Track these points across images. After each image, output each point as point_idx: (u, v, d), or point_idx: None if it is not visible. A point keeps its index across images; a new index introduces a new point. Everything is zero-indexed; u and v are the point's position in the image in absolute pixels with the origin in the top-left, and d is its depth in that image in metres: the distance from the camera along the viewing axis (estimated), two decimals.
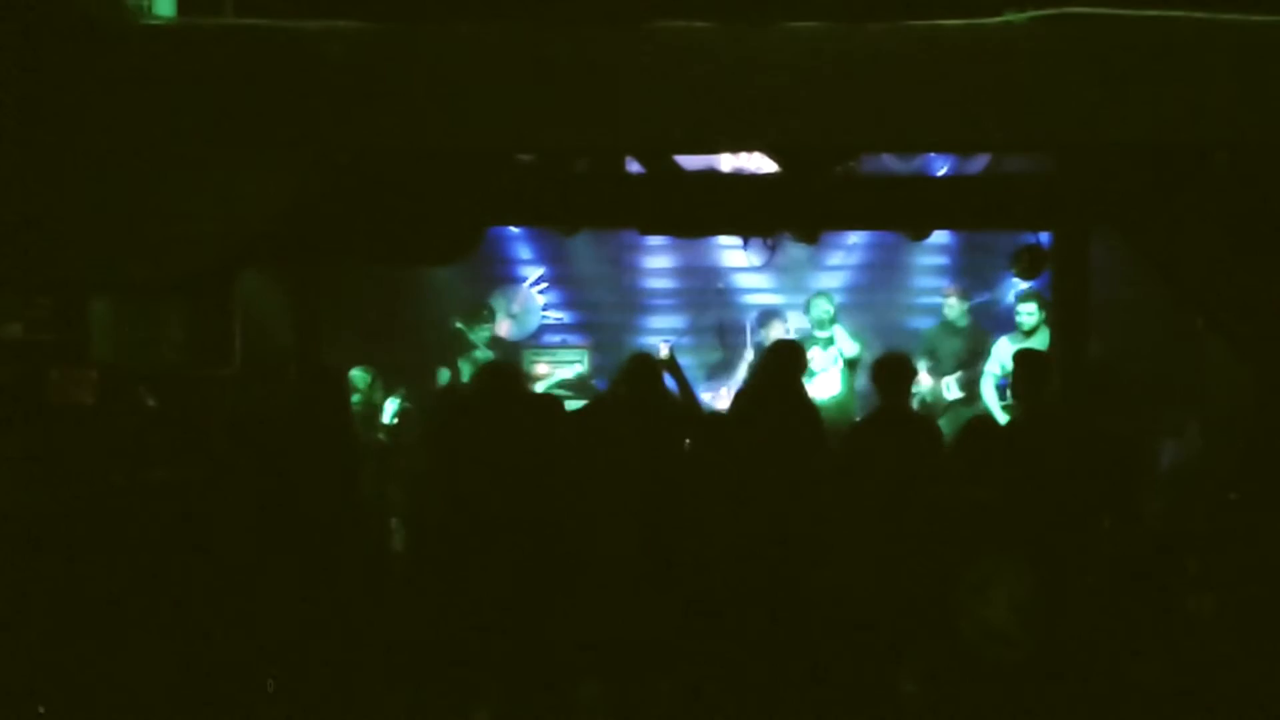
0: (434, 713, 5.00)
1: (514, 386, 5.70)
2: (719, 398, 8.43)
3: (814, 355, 8.06)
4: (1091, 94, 5.31)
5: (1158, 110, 5.31)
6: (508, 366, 6.50)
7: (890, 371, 5.70)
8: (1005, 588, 4.83)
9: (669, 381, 6.02)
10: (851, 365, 8.12)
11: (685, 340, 9.03)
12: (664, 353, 7.17)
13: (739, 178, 7.24)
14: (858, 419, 7.32)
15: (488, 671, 5.07)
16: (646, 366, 5.80)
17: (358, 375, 7.42)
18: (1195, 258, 6.03)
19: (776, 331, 8.42)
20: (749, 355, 8.47)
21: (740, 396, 6.15)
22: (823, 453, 5.49)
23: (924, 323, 9.34)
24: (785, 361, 5.75)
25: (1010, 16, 5.35)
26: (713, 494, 5.29)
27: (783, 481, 5.24)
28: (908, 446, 5.45)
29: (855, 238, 9.45)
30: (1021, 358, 5.87)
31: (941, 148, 6.79)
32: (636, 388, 5.66)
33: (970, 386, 8.17)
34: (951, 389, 8.24)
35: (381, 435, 7.46)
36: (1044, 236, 7.19)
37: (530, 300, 9.59)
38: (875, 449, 5.44)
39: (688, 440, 5.71)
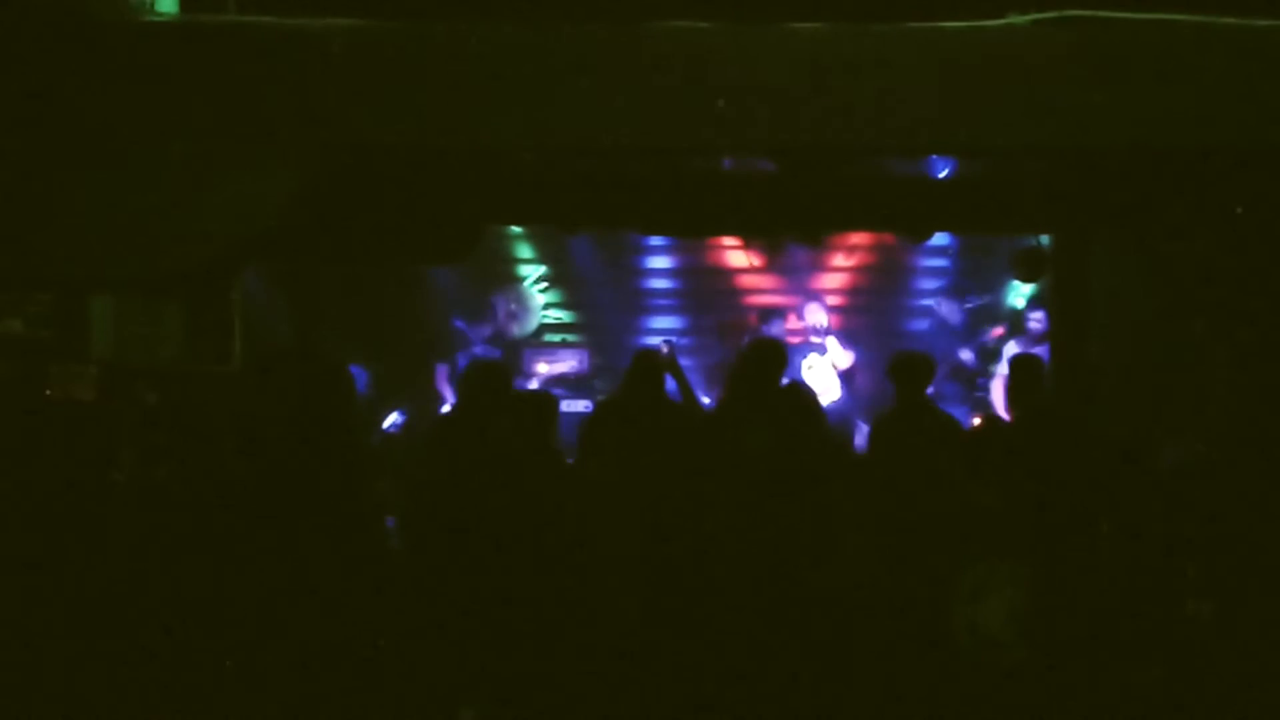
0: (423, 711, 5.00)
1: (503, 385, 5.71)
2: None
3: (811, 361, 8.08)
4: (1094, 97, 5.31)
5: (1160, 113, 5.31)
6: (497, 365, 6.49)
7: (909, 369, 5.73)
8: (1002, 592, 4.83)
9: (669, 382, 6.02)
10: (847, 373, 8.14)
11: (685, 340, 9.05)
12: (664, 353, 7.18)
13: (740, 178, 7.25)
14: (862, 419, 7.33)
15: (478, 670, 5.06)
16: (649, 363, 5.80)
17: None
18: (1196, 261, 6.04)
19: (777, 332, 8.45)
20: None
21: (724, 396, 6.15)
22: (828, 448, 5.49)
23: (923, 324, 9.36)
24: (765, 360, 5.74)
25: (1013, 19, 5.35)
26: (712, 492, 5.29)
27: (783, 477, 5.24)
28: (929, 441, 5.47)
29: (856, 239, 9.46)
30: (1015, 364, 5.89)
31: (943, 150, 6.79)
32: (638, 385, 5.67)
33: (943, 384, 8.20)
34: None
35: (376, 438, 7.48)
36: (1044, 239, 7.20)
37: (530, 299, 9.59)
38: (896, 443, 5.46)
39: (688, 439, 5.71)
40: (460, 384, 5.88)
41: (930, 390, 6.03)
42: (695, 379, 8.15)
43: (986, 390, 8.39)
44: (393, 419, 7.79)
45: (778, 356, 5.80)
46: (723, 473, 5.34)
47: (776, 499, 5.22)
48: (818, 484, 5.35)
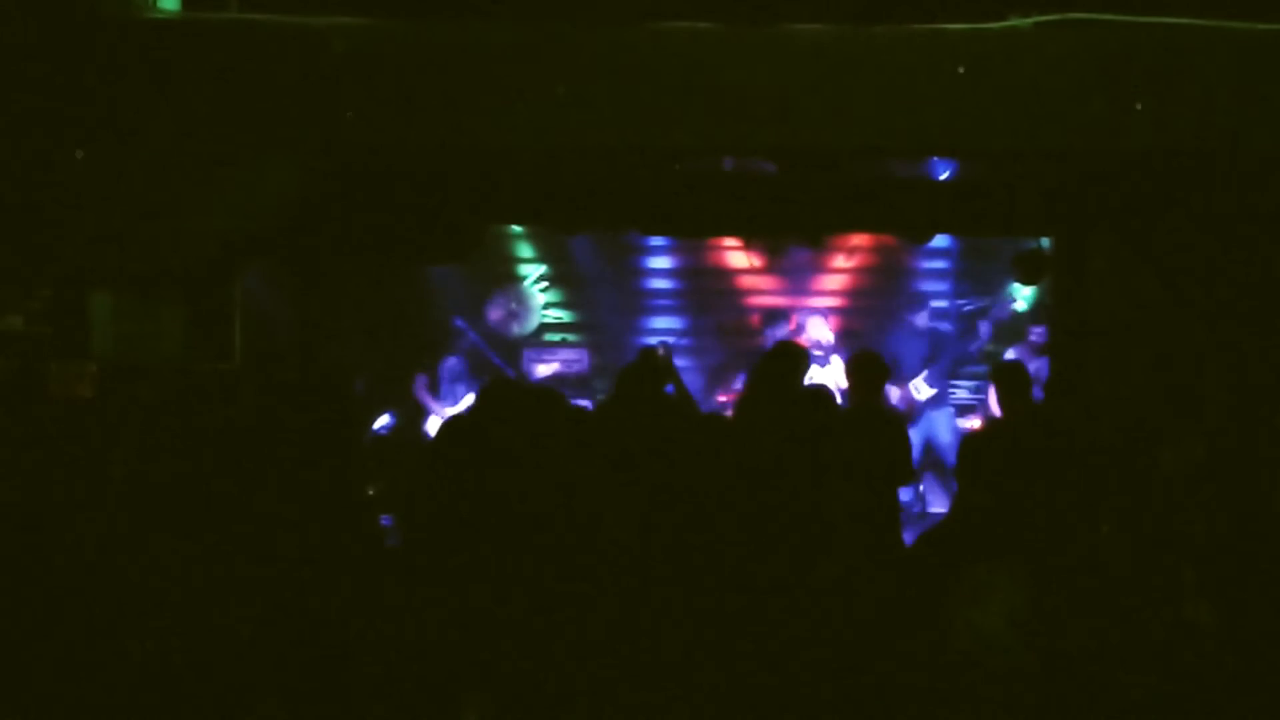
0: (424, 712, 4.99)
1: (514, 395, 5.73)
2: (721, 400, 8.45)
3: (813, 374, 8.08)
4: (1095, 99, 5.31)
5: (1161, 116, 5.32)
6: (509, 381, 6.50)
7: (861, 370, 5.71)
8: (1002, 594, 4.82)
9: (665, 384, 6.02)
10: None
11: (685, 341, 9.05)
12: (660, 354, 7.17)
13: (740, 179, 7.26)
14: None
15: (479, 672, 5.06)
16: (646, 364, 5.80)
17: None
18: (1196, 264, 6.04)
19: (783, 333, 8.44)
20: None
21: (744, 398, 6.15)
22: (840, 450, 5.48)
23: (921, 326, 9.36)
24: (786, 362, 5.74)
25: (1014, 21, 5.35)
26: (716, 495, 5.28)
27: (795, 478, 5.23)
28: (876, 443, 5.45)
29: (857, 240, 9.46)
30: (999, 370, 5.88)
31: (944, 152, 6.81)
32: (632, 387, 5.66)
33: (938, 385, 8.20)
34: (920, 389, 8.25)
35: (367, 438, 7.49)
36: (1045, 241, 7.20)
37: (531, 299, 9.59)
38: (845, 445, 5.45)
39: (688, 440, 5.70)
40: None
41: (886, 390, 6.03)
42: (694, 379, 8.16)
43: (984, 392, 8.41)
44: (384, 420, 7.80)
45: (799, 359, 5.80)
46: (732, 472, 5.34)
47: (786, 499, 5.22)
48: (828, 484, 5.34)
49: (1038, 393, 5.82)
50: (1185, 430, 6.64)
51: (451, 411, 7.84)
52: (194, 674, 4.86)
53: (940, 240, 8.89)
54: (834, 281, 9.52)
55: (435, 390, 8.43)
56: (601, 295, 9.67)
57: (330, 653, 4.96)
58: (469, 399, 7.90)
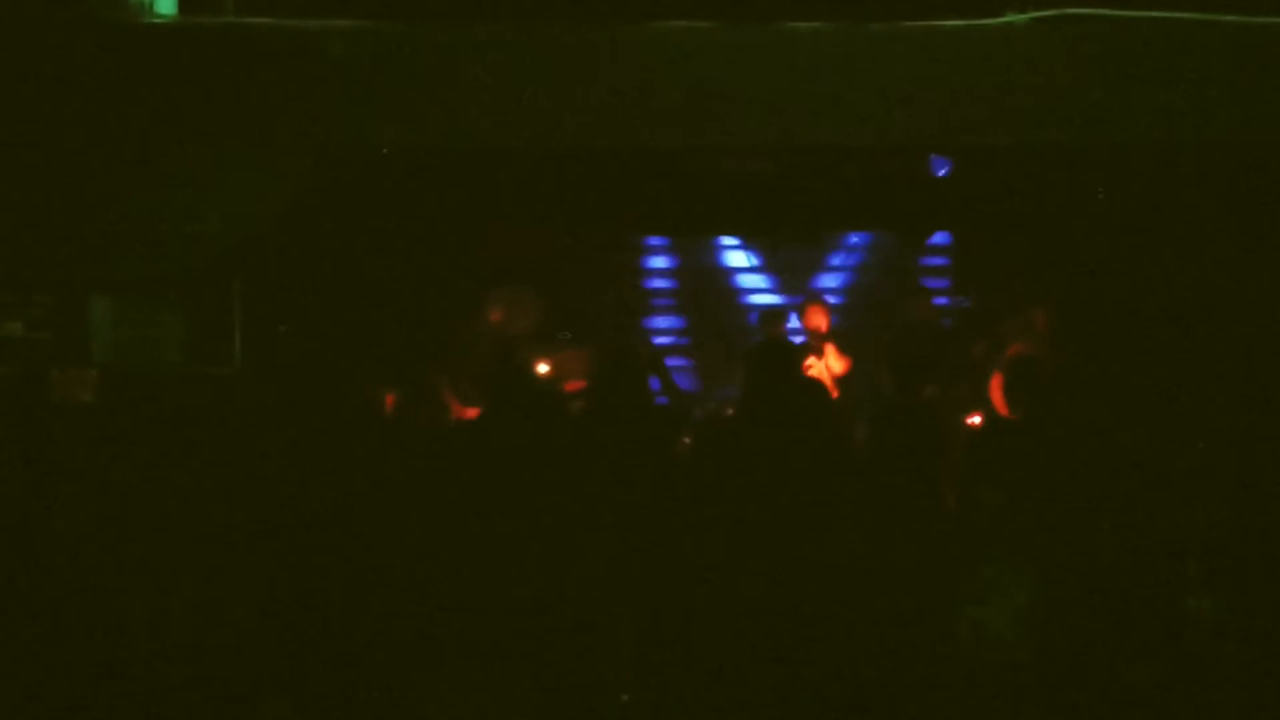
0: (424, 704, 5.00)
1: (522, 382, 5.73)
2: (718, 400, 8.44)
3: (810, 363, 8.07)
4: (1092, 95, 5.32)
5: (1158, 111, 5.33)
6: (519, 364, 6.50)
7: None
8: (1008, 593, 4.83)
9: (654, 383, 6.01)
10: (844, 379, 8.12)
11: (684, 340, 9.05)
12: (647, 353, 7.14)
13: (739, 178, 7.27)
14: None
15: (477, 667, 5.06)
16: (636, 363, 5.82)
17: None
18: (1195, 259, 6.05)
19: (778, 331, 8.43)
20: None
21: (740, 401, 6.15)
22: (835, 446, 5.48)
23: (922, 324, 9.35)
24: (775, 359, 5.74)
25: (1011, 17, 5.37)
26: (712, 495, 5.28)
27: (791, 475, 5.23)
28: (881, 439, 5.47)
29: (855, 238, 9.47)
30: (1013, 363, 5.89)
31: (942, 149, 6.81)
32: (624, 385, 5.67)
33: (947, 385, 8.19)
34: (927, 386, 8.23)
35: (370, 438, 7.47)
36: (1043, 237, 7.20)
37: (529, 299, 9.57)
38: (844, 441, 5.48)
39: (684, 441, 5.71)
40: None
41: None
42: (689, 379, 8.16)
43: (986, 390, 8.39)
44: (385, 419, 7.76)
45: (788, 355, 5.80)
46: (729, 471, 5.34)
47: (783, 496, 5.22)
48: (824, 482, 5.34)
49: (1042, 390, 5.81)
50: (1184, 424, 6.64)
51: (453, 411, 7.86)
52: (199, 674, 4.87)
53: (939, 238, 8.90)
54: (833, 280, 9.52)
55: (440, 389, 8.42)
56: (602, 295, 9.65)
57: (336, 651, 4.97)
58: (471, 399, 7.90)
